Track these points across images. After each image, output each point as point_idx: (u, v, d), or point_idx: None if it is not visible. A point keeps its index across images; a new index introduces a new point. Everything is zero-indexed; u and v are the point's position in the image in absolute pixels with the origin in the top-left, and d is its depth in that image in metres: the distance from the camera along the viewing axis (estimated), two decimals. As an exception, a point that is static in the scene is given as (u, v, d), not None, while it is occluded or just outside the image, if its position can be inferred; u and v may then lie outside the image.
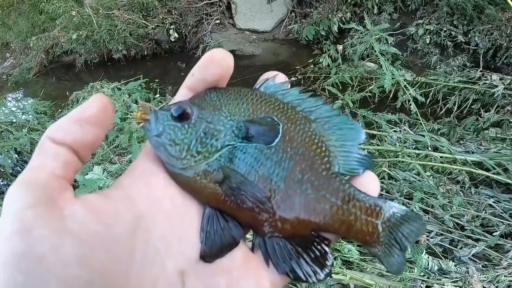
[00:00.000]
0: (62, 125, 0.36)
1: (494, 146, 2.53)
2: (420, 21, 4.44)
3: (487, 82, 3.25)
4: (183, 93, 0.44)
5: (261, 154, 0.41)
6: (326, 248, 0.41)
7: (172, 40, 5.57)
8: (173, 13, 5.60)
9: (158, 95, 3.63)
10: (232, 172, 0.40)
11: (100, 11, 5.51)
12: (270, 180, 0.41)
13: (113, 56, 5.44)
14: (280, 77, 0.46)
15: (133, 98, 3.24)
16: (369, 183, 0.43)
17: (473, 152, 2.48)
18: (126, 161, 2.44)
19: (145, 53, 5.55)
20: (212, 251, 0.39)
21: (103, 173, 1.70)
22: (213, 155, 0.41)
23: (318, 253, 0.41)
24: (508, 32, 4.00)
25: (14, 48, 5.91)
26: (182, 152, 0.41)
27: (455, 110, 3.22)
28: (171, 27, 5.53)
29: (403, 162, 2.27)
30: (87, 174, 1.70)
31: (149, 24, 5.48)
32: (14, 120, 3.67)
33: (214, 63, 0.41)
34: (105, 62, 5.50)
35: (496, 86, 3.15)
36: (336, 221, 0.41)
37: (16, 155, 3.13)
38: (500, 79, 3.26)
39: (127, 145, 2.59)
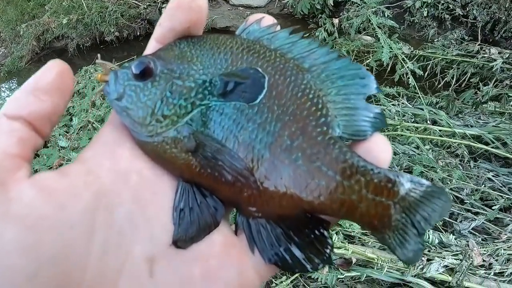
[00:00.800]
0: (16, 98, 0.32)
1: (493, 120, 2.50)
2: (417, -6, 4.35)
3: (485, 55, 3.20)
4: (152, 46, 0.38)
5: (242, 115, 0.34)
6: (324, 232, 0.34)
7: (164, 18, 5.45)
8: (164, -9, 5.47)
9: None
10: (206, 139, 0.34)
11: (89, -7, 5.38)
12: (253, 147, 0.34)
13: (105, 39, 5.28)
14: (267, 20, 0.38)
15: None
16: (378, 150, 0.34)
17: (471, 126, 2.45)
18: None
19: (138, 33, 5.42)
20: (187, 234, 0.33)
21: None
22: (182, 119, 0.34)
23: (313, 238, 0.34)
24: (507, 6, 3.92)
25: (4, 37, 5.76)
26: (146, 117, 0.34)
27: (453, 83, 3.17)
28: (163, 5, 5.39)
29: (402, 135, 2.24)
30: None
31: (140, 4, 5.35)
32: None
33: (183, 8, 0.35)
34: (98, 45, 5.35)
35: (495, 60, 3.10)
36: (334, 201, 0.33)
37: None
38: (499, 53, 3.21)
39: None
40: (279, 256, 0.34)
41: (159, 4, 5.41)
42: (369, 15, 3.22)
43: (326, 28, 3.59)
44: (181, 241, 0.33)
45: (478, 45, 3.34)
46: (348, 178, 0.33)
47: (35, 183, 0.30)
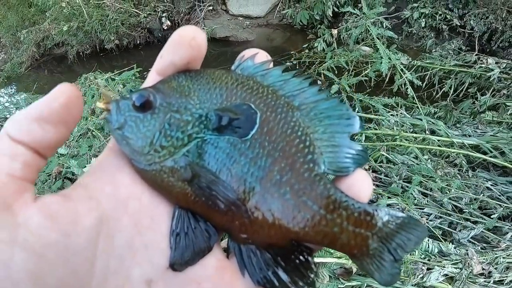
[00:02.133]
0: (20, 123, 0.32)
1: (491, 130, 2.53)
2: (415, 5, 4.37)
3: (483, 65, 3.23)
4: (152, 78, 0.40)
5: (235, 149, 0.36)
6: (309, 258, 0.37)
7: (165, 28, 5.48)
8: (165, 1, 5.49)
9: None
10: (202, 170, 0.36)
11: (90, 1, 5.40)
12: (244, 180, 0.36)
13: (105, 47, 5.32)
14: (261, 56, 0.40)
15: (128, 89, 3.21)
16: (359, 185, 0.37)
17: (470, 136, 2.48)
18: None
19: (138, 42, 5.45)
20: (183, 258, 0.35)
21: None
22: (179, 150, 0.36)
23: (299, 263, 0.37)
24: (503, 16, 3.97)
25: (4, 43, 5.77)
26: (145, 147, 0.36)
27: (451, 93, 3.21)
28: (163, 15, 5.44)
29: (401, 145, 2.26)
30: (85, 167, 1.66)
31: (140, 13, 5.38)
32: (8, 116, 3.61)
33: (183, 44, 0.37)
34: (98, 53, 5.39)
35: (492, 70, 3.13)
36: (318, 233, 0.36)
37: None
38: (496, 62, 3.24)
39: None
40: (267, 279, 0.36)
41: (159, 13, 5.45)
42: (368, 25, 3.25)
43: (325, 39, 3.63)
44: (177, 265, 0.35)
45: (476, 55, 3.37)
46: (331, 212, 0.36)
47: (42, 208, 0.30)
